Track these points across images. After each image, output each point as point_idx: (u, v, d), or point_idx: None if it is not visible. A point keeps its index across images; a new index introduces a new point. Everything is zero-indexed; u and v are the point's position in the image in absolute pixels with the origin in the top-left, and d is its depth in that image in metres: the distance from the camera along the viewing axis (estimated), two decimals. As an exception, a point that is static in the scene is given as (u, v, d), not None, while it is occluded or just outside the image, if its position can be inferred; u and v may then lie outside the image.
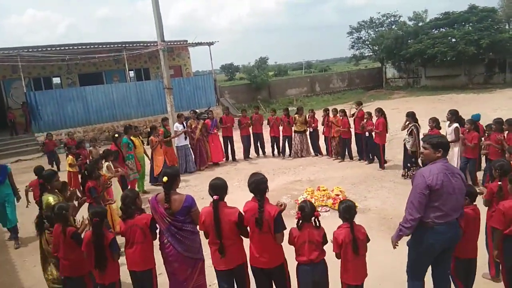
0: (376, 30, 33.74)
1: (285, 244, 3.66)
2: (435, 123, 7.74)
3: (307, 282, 3.57)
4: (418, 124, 8.29)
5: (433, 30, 27.87)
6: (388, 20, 33.53)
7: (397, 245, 3.64)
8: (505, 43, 23.51)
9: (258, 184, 3.58)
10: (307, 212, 3.55)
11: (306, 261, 3.52)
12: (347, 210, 3.56)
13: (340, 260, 3.61)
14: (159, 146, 9.58)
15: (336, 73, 33.96)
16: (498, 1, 39.29)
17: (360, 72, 34.39)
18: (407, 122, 8.35)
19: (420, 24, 30.27)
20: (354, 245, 3.45)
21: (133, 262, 3.84)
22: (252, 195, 3.67)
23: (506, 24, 26.30)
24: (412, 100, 22.65)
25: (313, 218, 3.59)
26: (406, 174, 8.45)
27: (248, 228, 3.65)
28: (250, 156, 11.86)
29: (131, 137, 8.82)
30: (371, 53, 34.63)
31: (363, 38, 34.62)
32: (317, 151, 11.34)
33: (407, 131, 8.32)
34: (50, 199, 4.53)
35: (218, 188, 3.63)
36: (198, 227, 3.79)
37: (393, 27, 32.41)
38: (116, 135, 8.33)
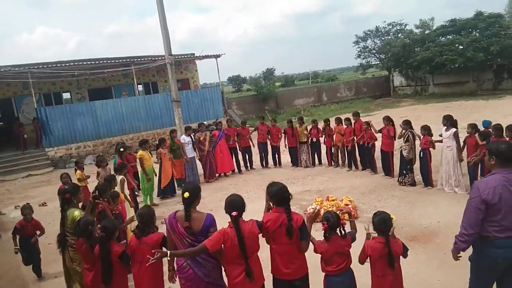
0: (382, 38, 33.87)
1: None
2: (426, 131, 8.05)
3: None
4: (414, 131, 8.45)
5: (440, 38, 27.83)
6: (394, 28, 33.71)
7: (460, 257, 3.36)
8: (515, 48, 23.31)
9: (282, 193, 3.47)
10: (333, 222, 3.42)
11: (335, 271, 3.42)
12: (382, 222, 3.36)
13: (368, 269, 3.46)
14: (167, 158, 9.60)
15: (343, 82, 33.92)
16: (504, 7, 39.38)
17: (367, 80, 34.31)
18: (403, 130, 8.50)
19: (427, 32, 30.26)
20: (390, 259, 3.30)
21: (141, 285, 3.62)
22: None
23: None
24: (421, 107, 22.47)
25: (338, 228, 3.47)
26: (402, 181, 8.54)
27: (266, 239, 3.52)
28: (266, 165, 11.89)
29: (141, 151, 8.90)
30: (378, 62, 34.68)
31: (369, 47, 34.78)
32: (317, 161, 11.39)
33: (404, 138, 8.49)
34: (76, 213, 4.43)
35: (237, 205, 3.38)
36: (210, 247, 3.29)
37: (399, 35, 32.48)
38: (122, 149, 8.29)
